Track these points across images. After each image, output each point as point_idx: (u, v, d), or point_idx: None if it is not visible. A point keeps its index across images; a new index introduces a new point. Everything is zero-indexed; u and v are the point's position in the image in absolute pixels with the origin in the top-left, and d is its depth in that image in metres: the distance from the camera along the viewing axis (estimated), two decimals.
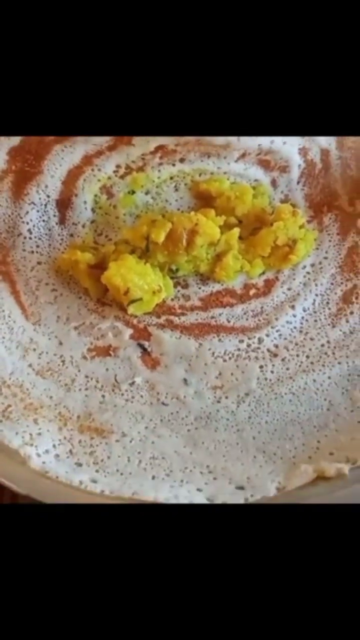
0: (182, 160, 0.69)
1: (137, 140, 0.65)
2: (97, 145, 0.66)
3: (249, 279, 0.70)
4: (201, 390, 0.62)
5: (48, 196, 0.69)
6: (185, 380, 0.63)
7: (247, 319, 0.67)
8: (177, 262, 0.67)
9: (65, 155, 0.67)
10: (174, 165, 0.69)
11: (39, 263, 0.69)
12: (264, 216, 0.71)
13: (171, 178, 0.70)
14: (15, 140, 0.65)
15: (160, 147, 0.66)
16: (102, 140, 0.66)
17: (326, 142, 0.71)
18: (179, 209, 0.70)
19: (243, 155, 0.68)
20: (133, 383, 0.63)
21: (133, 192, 0.70)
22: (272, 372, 0.64)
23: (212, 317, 0.67)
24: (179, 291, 0.69)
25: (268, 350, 0.65)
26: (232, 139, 0.65)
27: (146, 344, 0.65)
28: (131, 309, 0.65)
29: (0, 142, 0.65)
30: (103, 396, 0.62)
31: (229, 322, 0.67)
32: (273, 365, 0.64)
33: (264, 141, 0.67)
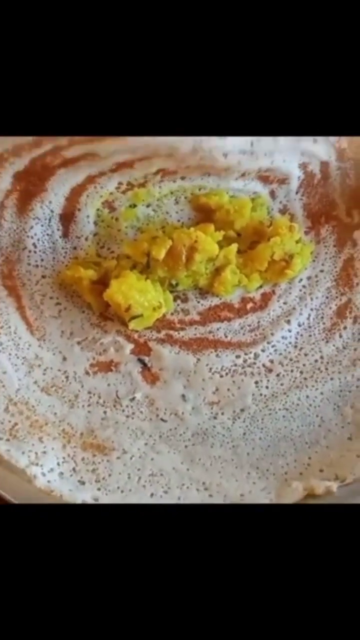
0: (182, 178, 0.70)
1: (138, 164, 0.66)
2: (100, 168, 0.68)
3: (247, 293, 0.72)
4: (198, 406, 0.65)
5: (52, 211, 0.71)
6: (183, 396, 0.66)
7: (243, 334, 0.70)
8: (177, 277, 0.69)
9: (68, 176, 0.68)
10: (174, 182, 0.71)
11: (43, 277, 0.71)
12: (262, 229, 0.72)
13: (171, 192, 0.71)
14: (20, 165, 0.66)
15: (161, 170, 0.67)
16: (105, 166, 0.67)
17: (326, 154, 0.72)
18: (179, 221, 0.72)
19: (243, 175, 0.69)
20: (134, 399, 0.66)
21: (134, 206, 0.71)
22: (266, 387, 0.67)
23: (210, 332, 0.70)
24: (178, 305, 0.71)
25: (263, 365, 0.68)
26: (233, 163, 0.66)
27: (146, 359, 0.68)
28: (132, 325, 0.68)
29: (5, 167, 0.66)
30: (105, 412, 0.65)
31: (226, 337, 0.69)
32: (268, 380, 0.67)
33: (264, 162, 0.68)
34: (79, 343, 0.69)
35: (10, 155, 0.65)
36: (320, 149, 0.69)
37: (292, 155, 0.70)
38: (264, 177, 0.72)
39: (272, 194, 0.73)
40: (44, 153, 0.64)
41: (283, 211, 0.74)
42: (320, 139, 0.69)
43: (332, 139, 0.70)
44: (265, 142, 0.65)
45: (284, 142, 0.66)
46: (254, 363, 0.68)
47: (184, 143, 0.63)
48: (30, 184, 0.68)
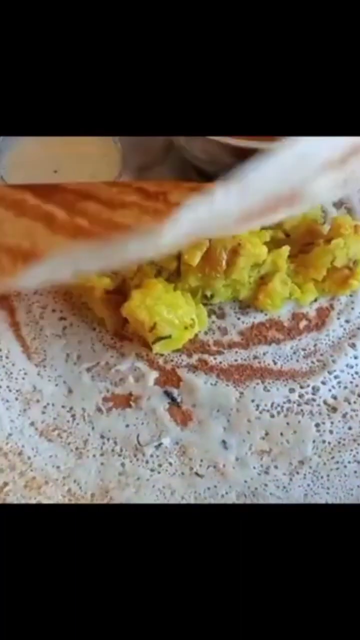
0: None
1: None
2: None
3: (299, 308, 0.57)
4: (244, 457, 0.51)
5: None
6: (224, 442, 0.51)
7: (297, 360, 0.55)
8: (213, 287, 0.55)
9: None
10: None
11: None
12: (316, 228, 0.58)
13: None
14: None
15: None
16: None
17: None
18: None
19: None
20: (160, 445, 0.51)
21: None
22: (331, 432, 0.52)
23: (255, 357, 0.55)
24: (213, 322, 0.57)
25: (325, 402, 0.53)
26: None
27: (175, 392, 0.53)
28: (157, 348, 0.53)
29: None
30: (122, 464, 0.50)
31: (275, 363, 0.55)
32: (332, 423, 0.52)
33: None
34: (88, 370, 0.54)
35: None
36: None
37: None
38: None
39: None
40: None
41: (338, 205, 0.60)
42: None
43: None
44: None
45: None
46: (313, 399, 0.53)
47: None
48: None
